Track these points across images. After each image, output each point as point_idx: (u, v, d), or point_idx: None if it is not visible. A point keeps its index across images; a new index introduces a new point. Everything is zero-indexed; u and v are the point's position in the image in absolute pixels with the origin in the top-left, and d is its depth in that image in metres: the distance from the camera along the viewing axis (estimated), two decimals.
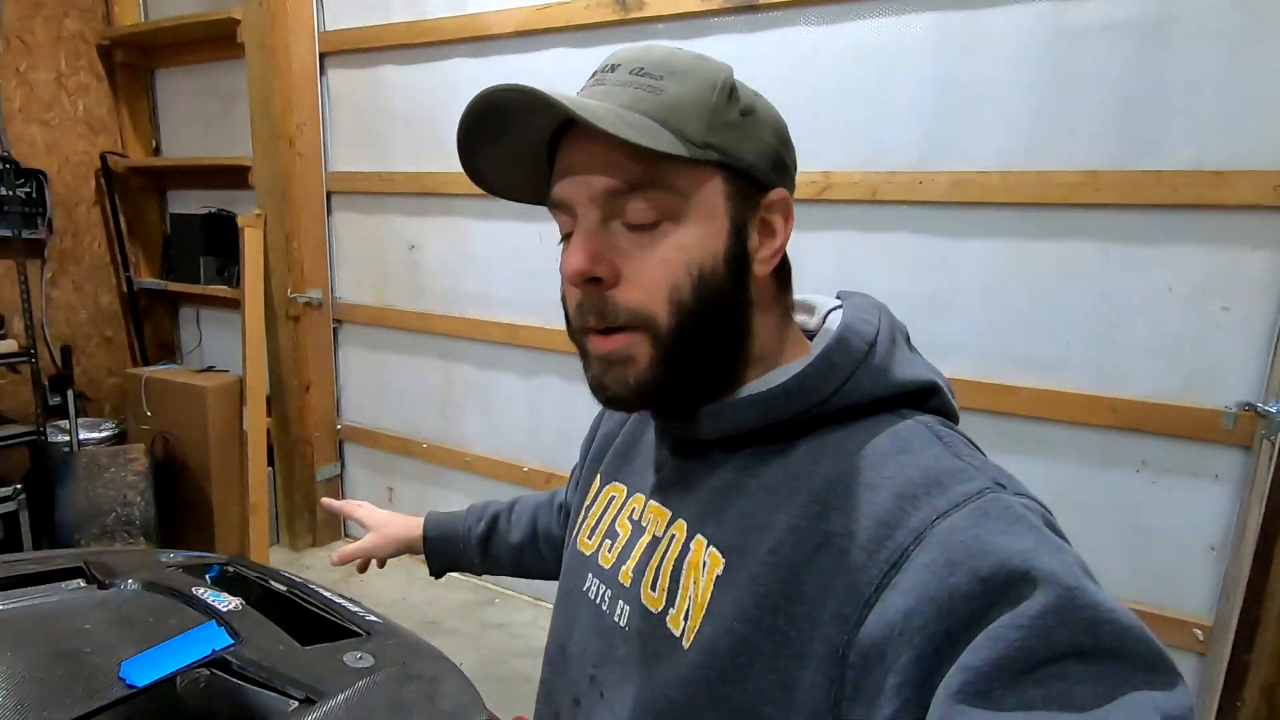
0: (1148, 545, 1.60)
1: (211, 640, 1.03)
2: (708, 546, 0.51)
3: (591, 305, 0.50)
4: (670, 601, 0.51)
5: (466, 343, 2.49)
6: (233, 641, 1.04)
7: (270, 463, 2.78)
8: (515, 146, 0.53)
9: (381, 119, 2.53)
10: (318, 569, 2.72)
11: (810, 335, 0.58)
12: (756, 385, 0.53)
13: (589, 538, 0.64)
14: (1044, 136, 1.58)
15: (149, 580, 1.28)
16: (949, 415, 0.53)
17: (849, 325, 0.52)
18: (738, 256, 0.50)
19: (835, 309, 0.57)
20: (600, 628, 0.57)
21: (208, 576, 1.41)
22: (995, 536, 0.40)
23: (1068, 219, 1.58)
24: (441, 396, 2.61)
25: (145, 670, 0.95)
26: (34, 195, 2.72)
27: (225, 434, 2.61)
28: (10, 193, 2.38)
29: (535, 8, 2.12)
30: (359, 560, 0.98)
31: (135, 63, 3.00)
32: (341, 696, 0.88)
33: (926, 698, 0.38)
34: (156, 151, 3.12)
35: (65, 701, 0.84)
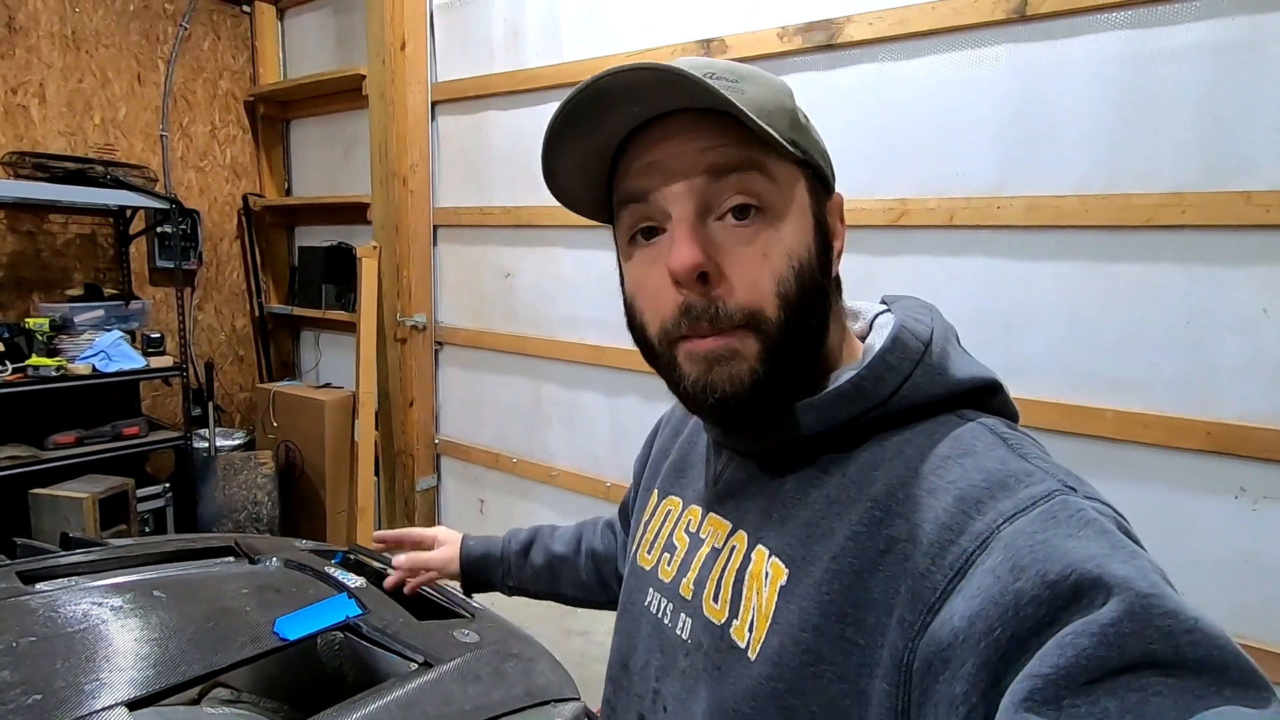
0: (1249, 575, 1.54)
1: (345, 609, 1.19)
2: (770, 557, 0.50)
3: (701, 310, 0.48)
4: (734, 613, 0.51)
5: (554, 363, 2.66)
6: (362, 611, 1.20)
7: (375, 472, 3.02)
8: (590, 149, 0.51)
9: (484, 158, 2.78)
10: None
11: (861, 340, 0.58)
12: (820, 389, 0.52)
13: (648, 552, 0.63)
14: (1124, 159, 1.59)
15: (289, 559, 1.47)
16: (1010, 415, 0.52)
17: (903, 325, 0.51)
18: (824, 252, 0.51)
19: (881, 313, 0.57)
20: (663, 642, 0.57)
21: (334, 560, 1.60)
22: (1064, 540, 0.38)
23: (1150, 241, 1.58)
24: (530, 413, 2.78)
25: (295, 627, 1.12)
26: (189, 232, 3.13)
27: (339, 444, 2.87)
28: (174, 230, 2.76)
29: (624, 54, 2.31)
30: (396, 577, 1.09)
31: (274, 115, 3.41)
32: (453, 663, 1.02)
33: (993, 706, 0.36)
34: (288, 192, 3.51)
35: (234, 645, 1.01)
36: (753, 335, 0.48)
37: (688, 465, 0.65)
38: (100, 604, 1.06)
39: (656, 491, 0.67)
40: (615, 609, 0.82)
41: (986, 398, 0.51)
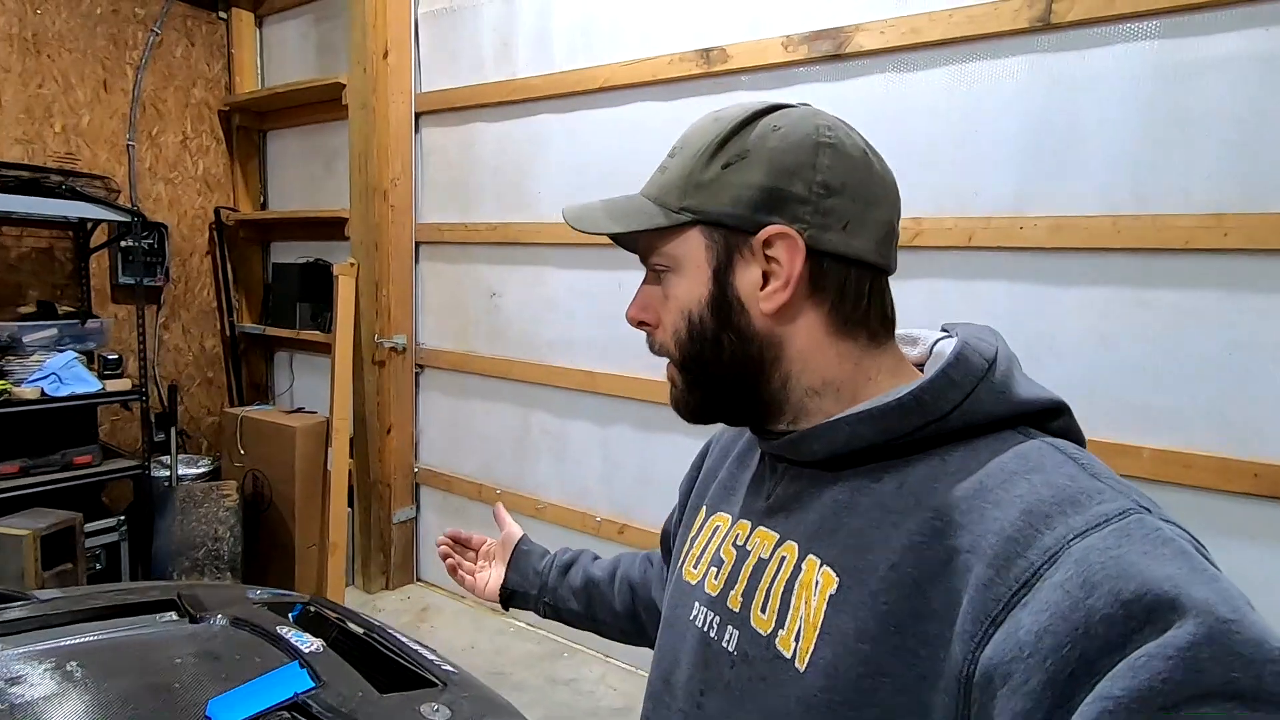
0: None
1: (294, 682, 1.02)
2: (821, 566, 0.50)
3: (648, 342, 0.61)
4: (780, 623, 0.51)
5: (543, 389, 2.51)
6: (314, 685, 1.03)
7: (350, 503, 2.84)
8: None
9: (470, 172, 2.65)
10: (389, 612, 2.73)
11: (919, 367, 0.58)
12: (854, 409, 0.52)
13: (694, 567, 0.64)
14: (1156, 178, 1.48)
15: (237, 616, 1.29)
16: (1075, 439, 0.51)
17: (967, 343, 0.51)
18: (721, 298, 0.55)
19: (941, 339, 0.58)
20: (708, 655, 0.57)
21: (290, 615, 1.42)
22: (1140, 559, 0.37)
23: (1188, 265, 1.47)
24: (517, 442, 2.62)
25: (230, 710, 0.95)
26: (156, 246, 2.96)
27: (310, 473, 2.69)
28: (137, 244, 2.59)
29: (620, 64, 2.19)
30: (456, 561, 1.04)
31: (250, 125, 3.27)
32: None
33: None
34: (263, 206, 3.36)
35: None
36: (673, 366, 0.59)
37: (738, 483, 0.65)
38: None
39: (705, 508, 0.68)
40: (643, 643, 0.88)
41: (1050, 420, 0.51)
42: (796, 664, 0.48)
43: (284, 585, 2.70)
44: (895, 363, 0.56)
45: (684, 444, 2.20)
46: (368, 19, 2.57)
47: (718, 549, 0.61)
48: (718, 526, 0.64)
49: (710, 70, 2.02)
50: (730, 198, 0.53)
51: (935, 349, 0.57)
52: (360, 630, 1.36)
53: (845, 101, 1.83)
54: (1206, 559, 0.39)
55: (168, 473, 2.70)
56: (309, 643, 1.17)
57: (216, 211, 3.19)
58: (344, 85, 2.70)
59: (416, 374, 2.90)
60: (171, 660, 1.04)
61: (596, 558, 0.95)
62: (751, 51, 1.95)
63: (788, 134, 0.53)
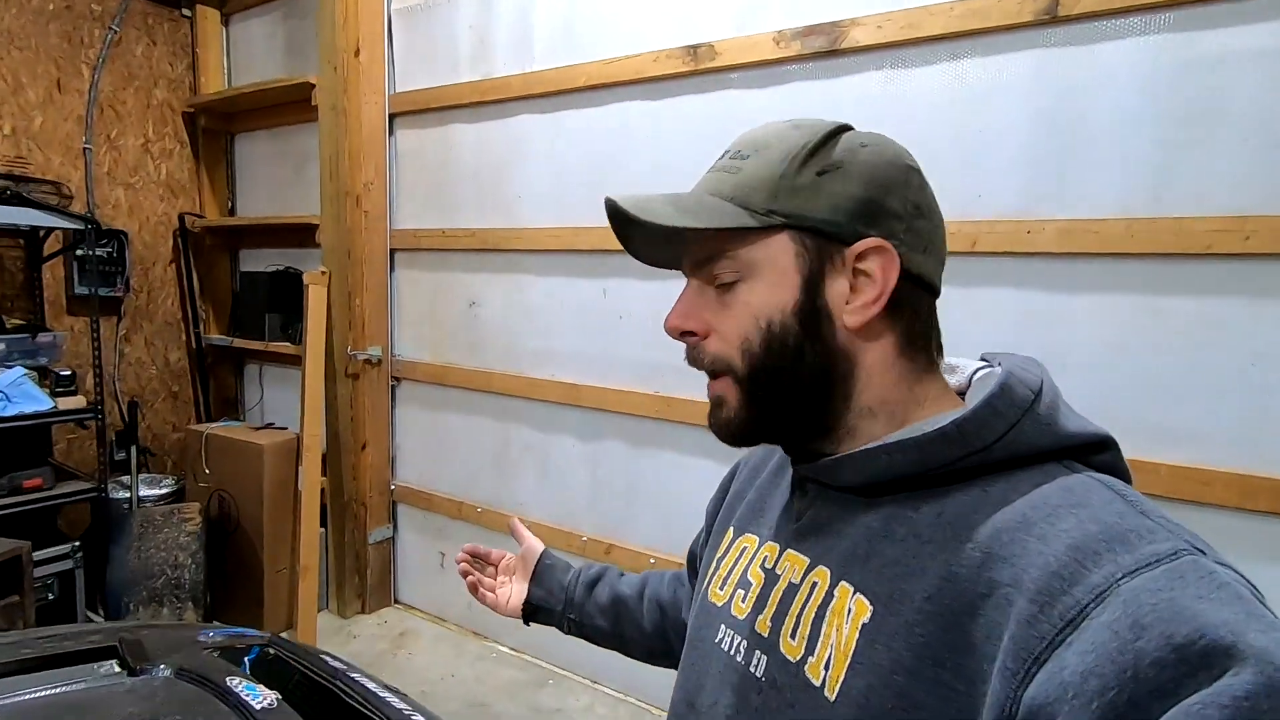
0: None
1: None
2: (854, 593, 0.49)
3: (690, 354, 0.57)
4: (810, 650, 0.50)
5: (525, 402, 2.40)
6: None
7: (323, 524, 2.71)
8: (653, 233, 0.56)
9: (447, 176, 2.53)
10: (364, 638, 2.60)
11: (960, 395, 0.57)
12: (895, 436, 0.51)
13: (720, 589, 0.62)
14: (1174, 178, 1.40)
15: (182, 667, 1.16)
16: (1121, 475, 0.49)
17: (1012, 373, 0.50)
18: (810, 307, 0.53)
19: (982, 369, 0.57)
20: (734, 680, 0.56)
21: (246, 660, 1.30)
22: (1194, 602, 0.36)
23: (1207, 271, 1.39)
24: (498, 458, 2.50)
25: None
26: (115, 254, 2.81)
27: (280, 493, 2.55)
28: (90, 252, 2.45)
29: (602, 62, 2.09)
30: (476, 578, 0.96)
31: (216, 128, 3.12)
32: None
33: None
34: (232, 212, 3.21)
35: None
36: (732, 383, 0.54)
37: (767, 505, 0.65)
38: None
39: (732, 529, 0.67)
40: (669, 664, 0.84)
41: (1095, 454, 0.50)
42: (826, 693, 0.47)
43: (252, 612, 2.56)
44: (942, 390, 0.56)
45: (672, 461, 2.10)
46: (338, 15, 2.45)
47: (745, 570, 0.61)
48: (745, 548, 0.63)
49: (698, 68, 1.92)
50: (829, 205, 0.52)
51: (975, 378, 0.57)
52: (324, 676, 1.25)
53: (840, 100, 1.73)
54: (1263, 604, 0.37)
55: (129, 494, 2.56)
56: (261, 697, 1.05)
57: (181, 218, 3.04)
58: (314, 85, 2.57)
59: (393, 387, 2.77)
60: None
61: (623, 574, 0.93)
62: (741, 48, 1.85)
63: (879, 151, 0.53)
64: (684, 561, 0.87)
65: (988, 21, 1.54)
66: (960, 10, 1.57)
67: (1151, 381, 1.45)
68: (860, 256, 0.52)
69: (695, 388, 2.06)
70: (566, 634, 0.93)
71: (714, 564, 0.66)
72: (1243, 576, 0.40)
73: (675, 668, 0.89)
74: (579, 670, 2.33)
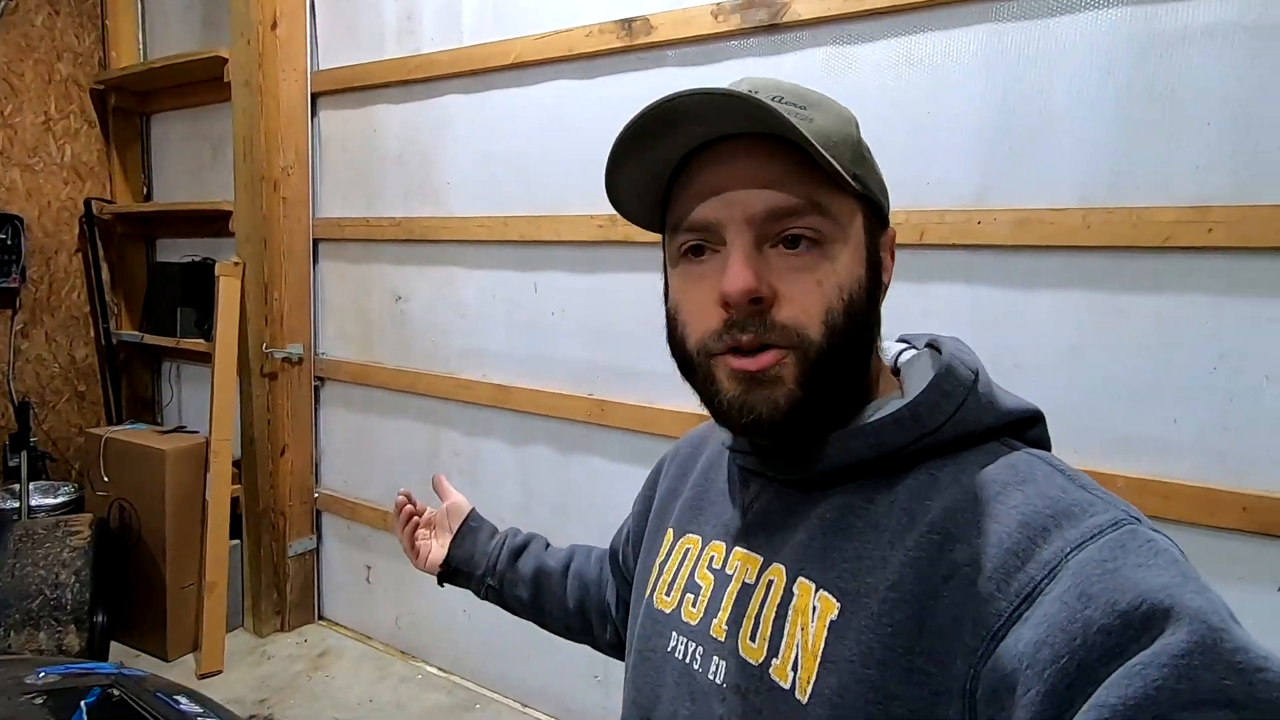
0: None
1: None
2: (816, 590, 0.48)
3: (745, 322, 0.48)
4: (773, 651, 0.49)
5: (453, 404, 2.23)
6: None
7: (237, 536, 2.50)
8: (648, 167, 0.52)
9: (373, 161, 2.35)
10: (281, 658, 2.40)
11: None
12: (851, 427, 0.51)
13: (666, 594, 0.60)
14: (1134, 166, 1.29)
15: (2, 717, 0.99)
16: (1048, 448, 0.51)
17: (954, 355, 0.51)
18: (874, 285, 0.52)
19: (904, 350, 0.58)
20: (693, 689, 0.54)
21: (84, 704, 1.12)
22: (1134, 570, 0.38)
23: (1168, 265, 1.28)
24: (426, 464, 2.32)
25: None
26: (8, 242, 2.57)
27: (186, 503, 2.34)
28: None
29: (533, 37, 1.93)
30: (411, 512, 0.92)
31: (129, 107, 2.89)
32: None
33: None
34: (147, 198, 2.98)
35: None
36: (793, 356, 0.48)
37: (706, 501, 0.63)
38: None
39: (671, 531, 0.64)
40: (586, 641, 0.87)
41: (1028, 429, 0.51)
42: (798, 695, 0.46)
43: (154, 632, 2.35)
44: (884, 373, 0.56)
45: (604, 469, 1.95)
46: None
47: (691, 573, 0.59)
48: (689, 549, 0.61)
49: (633, 44, 1.77)
50: (878, 185, 0.53)
51: (900, 360, 0.57)
52: None
53: (781, 78, 1.60)
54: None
55: (18, 504, 2.33)
56: None
57: (88, 203, 2.81)
58: (225, 60, 2.37)
59: (316, 388, 2.57)
60: None
61: (549, 546, 0.90)
62: (677, 22, 1.71)
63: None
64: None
65: None
66: None
67: (1110, 384, 1.34)
68: (884, 244, 0.54)
69: (629, 390, 1.92)
70: (482, 599, 0.89)
71: (655, 569, 0.63)
72: (1172, 541, 0.41)
73: (593, 647, 0.87)
74: (509, 693, 2.16)
